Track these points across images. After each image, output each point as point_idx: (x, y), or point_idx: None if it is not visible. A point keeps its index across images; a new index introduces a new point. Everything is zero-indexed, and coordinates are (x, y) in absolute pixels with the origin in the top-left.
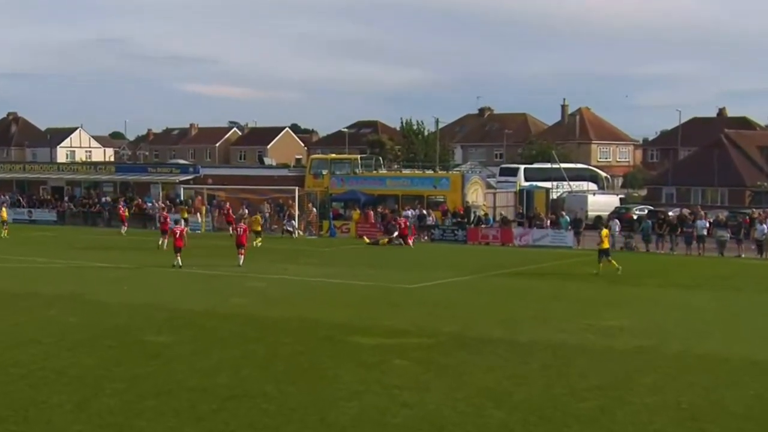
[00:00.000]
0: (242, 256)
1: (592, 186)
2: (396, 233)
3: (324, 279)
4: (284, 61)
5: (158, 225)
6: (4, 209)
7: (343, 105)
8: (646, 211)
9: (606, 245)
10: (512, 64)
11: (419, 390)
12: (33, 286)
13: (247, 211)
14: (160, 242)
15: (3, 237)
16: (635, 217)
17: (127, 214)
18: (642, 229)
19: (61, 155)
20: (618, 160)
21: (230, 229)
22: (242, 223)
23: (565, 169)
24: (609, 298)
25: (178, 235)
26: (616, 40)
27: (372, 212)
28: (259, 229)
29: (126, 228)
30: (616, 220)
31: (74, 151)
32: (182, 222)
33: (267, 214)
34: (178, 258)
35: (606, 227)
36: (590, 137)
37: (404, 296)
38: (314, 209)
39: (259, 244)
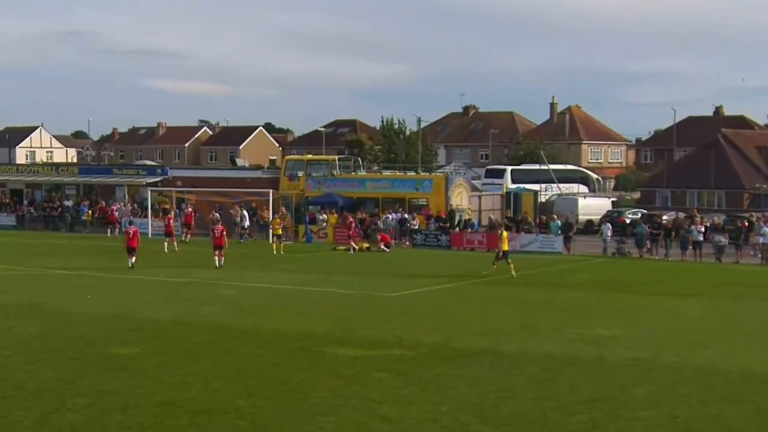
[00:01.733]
0: (222, 258)
1: (583, 188)
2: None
3: (300, 287)
4: (257, 57)
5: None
6: None
7: (320, 103)
8: (640, 215)
9: (506, 247)
10: (498, 59)
11: (400, 404)
12: None
13: (218, 215)
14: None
15: None
16: (628, 221)
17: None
18: (635, 233)
19: (21, 156)
20: (610, 161)
21: (183, 234)
22: (219, 225)
23: (554, 170)
24: (601, 306)
25: (131, 236)
26: (608, 34)
27: (350, 216)
28: (281, 232)
29: (173, 240)
30: (608, 225)
31: (34, 152)
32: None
33: (238, 218)
34: (132, 259)
35: (506, 229)
36: (581, 137)
37: (384, 305)
38: (289, 213)
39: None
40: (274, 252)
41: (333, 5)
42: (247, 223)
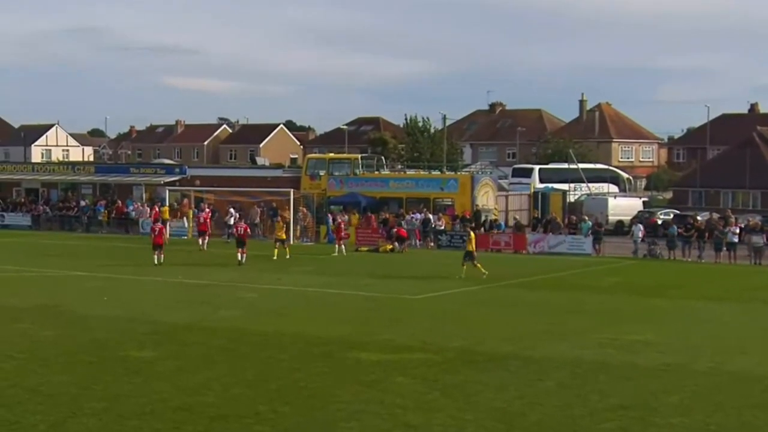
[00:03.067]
0: (245, 255)
1: (613, 188)
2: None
3: (321, 289)
4: (277, 53)
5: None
6: None
7: (342, 100)
8: (672, 216)
9: (471, 248)
10: (526, 56)
11: (424, 410)
12: (3, 297)
13: (238, 215)
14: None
15: None
16: (660, 221)
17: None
18: (667, 234)
19: (36, 154)
20: (641, 159)
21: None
22: (242, 223)
23: (583, 169)
24: (631, 310)
25: (158, 233)
26: (639, 29)
27: (373, 217)
28: (284, 237)
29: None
30: (640, 225)
31: (50, 150)
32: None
33: (258, 219)
34: (156, 256)
35: (472, 229)
36: (611, 135)
37: (408, 308)
38: (310, 213)
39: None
40: (275, 257)
41: (354, 2)
42: (232, 221)
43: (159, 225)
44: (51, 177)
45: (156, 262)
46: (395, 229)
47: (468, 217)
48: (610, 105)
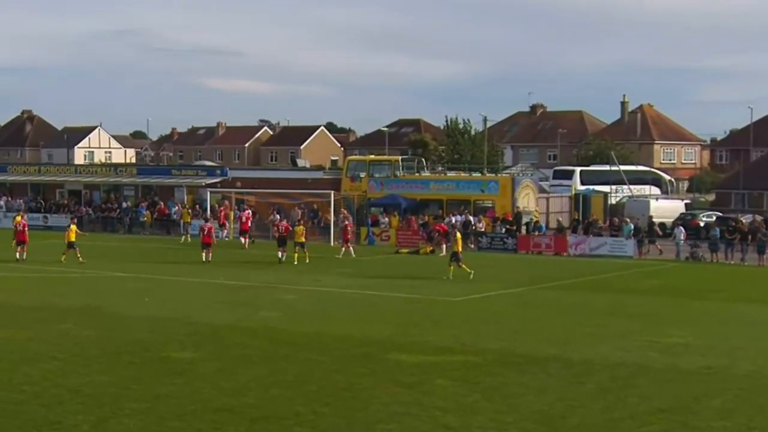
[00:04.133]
0: (285, 254)
1: (655, 190)
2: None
3: (361, 291)
4: (319, 54)
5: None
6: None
7: (383, 102)
8: (715, 218)
9: (458, 248)
10: (567, 57)
11: (463, 412)
12: (47, 297)
13: (278, 216)
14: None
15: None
16: (702, 224)
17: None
18: (710, 237)
19: (79, 156)
20: (683, 161)
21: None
22: (284, 222)
23: (624, 171)
24: (673, 313)
25: (206, 232)
26: (682, 29)
27: (414, 218)
28: (304, 240)
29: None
30: (681, 228)
31: (93, 152)
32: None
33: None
34: (204, 254)
35: (459, 231)
36: (653, 137)
37: (448, 310)
38: (351, 215)
39: (307, 260)
40: (295, 262)
41: (396, 3)
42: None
43: (208, 225)
44: (93, 179)
45: (204, 259)
46: (434, 226)
47: (509, 219)
48: (652, 106)
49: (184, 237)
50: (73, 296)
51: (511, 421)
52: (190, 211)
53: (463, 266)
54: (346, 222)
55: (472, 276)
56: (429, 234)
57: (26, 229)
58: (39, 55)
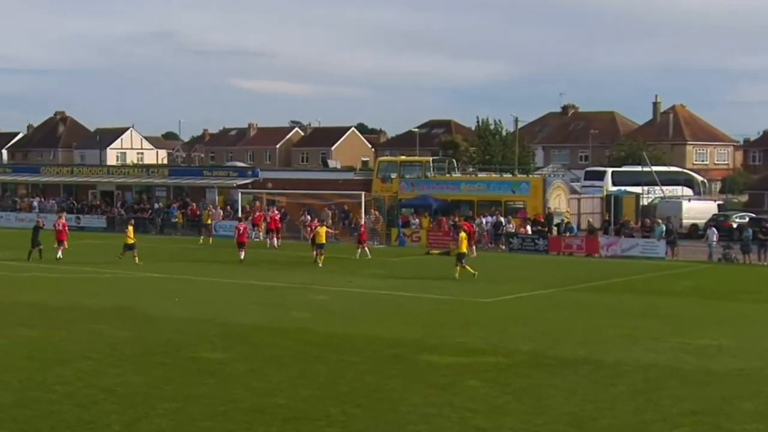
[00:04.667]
0: (364, 249)
1: (687, 191)
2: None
3: (392, 292)
4: (348, 56)
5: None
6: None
7: (414, 103)
8: (747, 219)
9: (463, 249)
10: (599, 57)
11: (494, 414)
12: (79, 298)
13: (309, 217)
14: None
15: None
16: (735, 225)
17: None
18: (742, 238)
19: (111, 157)
20: (716, 162)
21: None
22: (315, 221)
23: (657, 172)
24: (706, 315)
25: (241, 231)
26: (715, 29)
27: (444, 219)
28: (324, 241)
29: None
30: (714, 229)
31: (125, 153)
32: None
33: (329, 221)
34: (240, 253)
35: (464, 231)
36: (685, 137)
37: (479, 311)
38: (381, 216)
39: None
40: (320, 264)
41: (428, 3)
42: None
43: (243, 224)
44: (126, 179)
45: (240, 258)
46: (460, 224)
47: (540, 220)
48: (685, 107)
49: (203, 238)
50: (105, 297)
51: (542, 423)
52: (211, 212)
53: (468, 267)
54: (362, 223)
55: (476, 276)
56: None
57: (66, 229)
58: (72, 57)
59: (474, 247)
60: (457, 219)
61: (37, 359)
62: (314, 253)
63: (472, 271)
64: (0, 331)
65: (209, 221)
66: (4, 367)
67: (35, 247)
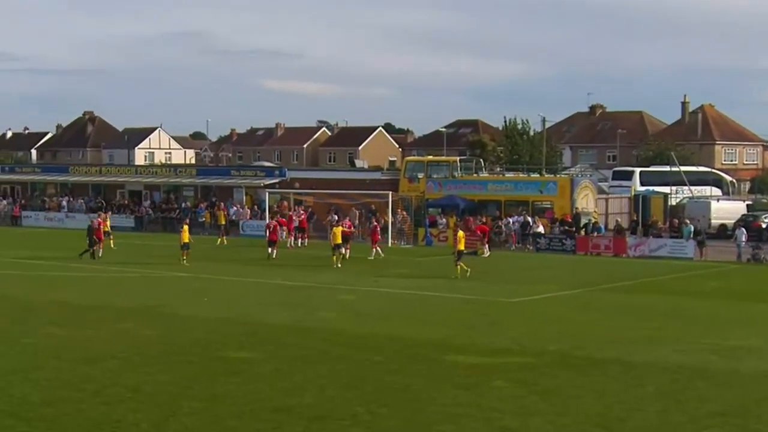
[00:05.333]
0: (348, 251)
1: (716, 191)
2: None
3: (418, 292)
4: (375, 56)
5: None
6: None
7: (441, 103)
8: None
9: (461, 247)
10: (627, 57)
11: (521, 414)
12: (106, 297)
13: (336, 217)
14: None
15: (112, 248)
16: (764, 225)
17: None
18: None
19: (140, 157)
20: (745, 162)
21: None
22: (346, 220)
23: (685, 172)
24: (734, 316)
25: (272, 230)
26: (743, 28)
27: (472, 219)
28: (341, 241)
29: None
30: (743, 229)
31: (153, 153)
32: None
33: (356, 221)
34: (270, 251)
35: (462, 229)
36: (714, 137)
37: (505, 311)
38: (409, 216)
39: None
40: (339, 264)
41: (454, 3)
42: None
43: (274, 222)
44: (153, 179)
45: (273, 256)
46: (475, 226)
47: (568, 220)
48: (714, 106)
49: (219, 239)
50: (133, 296)
51: (569, 423)
52: (225, 213)
53: (461, 264)
54: (375, 224)
55: (468, 274)
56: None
57: (102, 227)
58: (101, 57)
59: (487, 246)
60: (485, 219)
61: (65, 358)
62: (343, 249)
63: (465, 267)
64: (30, 330)
65: (223, 221)
66: (33, 365)
67: (92, 247)
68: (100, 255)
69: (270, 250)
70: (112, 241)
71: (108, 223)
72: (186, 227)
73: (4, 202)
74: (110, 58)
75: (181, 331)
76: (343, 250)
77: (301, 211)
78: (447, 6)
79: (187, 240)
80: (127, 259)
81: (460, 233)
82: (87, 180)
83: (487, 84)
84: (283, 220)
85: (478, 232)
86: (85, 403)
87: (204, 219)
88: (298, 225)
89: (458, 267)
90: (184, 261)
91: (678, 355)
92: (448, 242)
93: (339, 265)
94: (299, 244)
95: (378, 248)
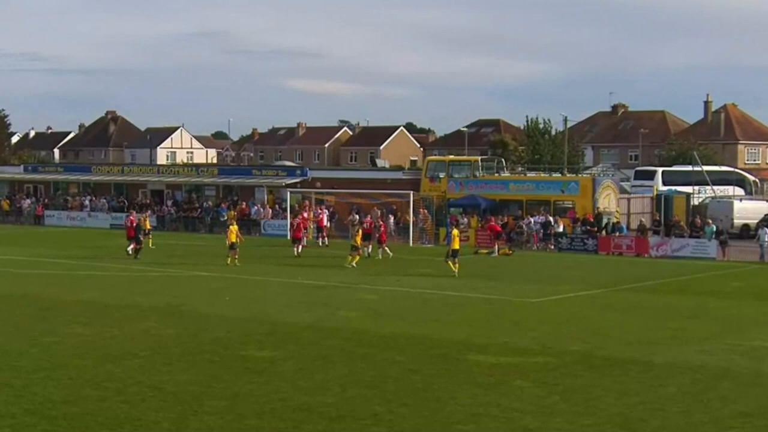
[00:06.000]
0: (370, 247)
1: (739, 191)
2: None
3: (439, 291)
4: (399, 55)
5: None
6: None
7: (462, 102)
8: None
9: (456, 246)
10: (649, 56)
11: (542, 414)
12: (130, 296)
13: (357, 217)
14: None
15: (150, 247)
16: None
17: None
18: None
19: (162, 157)
20: None
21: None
22: (368, 218)
23: (708, 172)
24: (757, 316)
25: (296, 227)
26: (766, 26)
27: (493, 219)
28: (360, 242)
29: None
30: (766, 229)
31: (175, 152)
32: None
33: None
34: (295, 248)
35: (457, 227)
36: (737, 137)
37: (527, 311)
38: (430, 215)
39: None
40: (354, 264)
41: (475, 2)
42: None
43: (298, 220)
44: (175, 179)
45: (295, 254)
46: (488, 226)
47: (590, 219)
48: (736, 106)
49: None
50: (155, 295)
51: (590, 424)
52: (234, 213)
53: (449, 263)
54: (381, 223)
55: (456, 275)
56: (508, 235)
57: (134, 225)
58: (123, 57)
59: (497, 246)
60: (507, 219)
61: (87, 356)
62: (364, 247)
63: (453, 268)
64: (54, 328)
65: (234, 239)
66: (56, 364)
67: (139, 245)
68: (130, 252)
69: (295, 247)
70: (150, 241)
71: (147, 222)
72: (233, 227)
73: (28, 201)
74: (133, 57)
75: (202, 330)
76: (361, 251)
77: (319, 210)
78: (468, 5)
79: (234, 240)
80: (149, 259)
81: (455, 231)
82: (109, 179)
83: (508, 83)
84: (305, 218)
85: (489, 231)
86: (107, 401)
87: (226, 218)
88: (317, 225)
89: (453, 264)
90: (236, 262)
91: (700, 355)
92: (470, 242)
93: (354, 265)
94: (320, 244)
95: (386, 248)
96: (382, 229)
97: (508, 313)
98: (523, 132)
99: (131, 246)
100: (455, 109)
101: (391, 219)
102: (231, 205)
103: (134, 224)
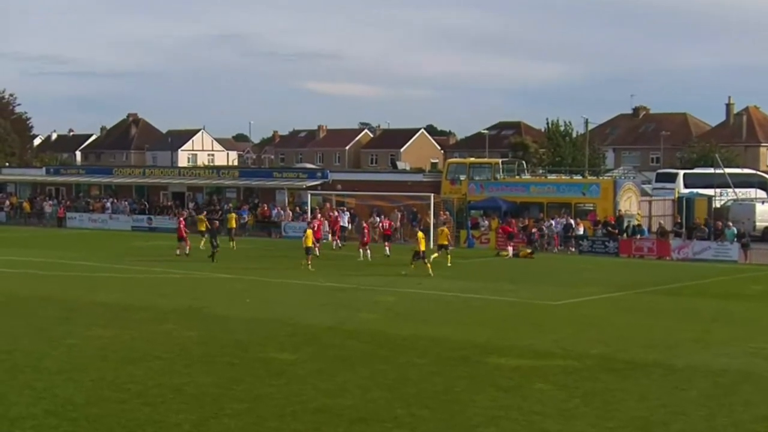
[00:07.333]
0: (390, 247)
1: (761, 193)
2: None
3: (460, 294)
4: (417, 57)
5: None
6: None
7: (483, 104)
8: None
9: (423, 247)
10: (670, 58)
11: (563, 418)
12: (149, 298)
13: (378, 219)
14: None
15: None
16: None
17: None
18: None
19: (183, 159)
20: None
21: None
22: (385, 220)
23: (729, 174)
24: None
25: (316, 229)
26: None
27: (514, 221)
28: (446, 242)
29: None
30: None
31: (196, 155)
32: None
33: (398, 223)
34: (316, 250)
35: (444, 225)
36: (759, 139)
37: (548, 314)
38: (451, 218)
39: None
40: (366, 258)
41: (497, 4)
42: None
43: (317, 221)
44: (196, 181)
45: (315, 254)
46: (500, 227)
47: (611, 222)
48: (759, 108)
49: (232, 243)
50: (176, 297)
51: (612, 427)
52: (236, 216)
53: (428, 264)
54: (364, 224)
55: (431, 274)
56: (529, 237)
57: (183, 226)
58: (145, 60)
59: (510, 248)
60: (528, 221)
61: (109, 359)
62: (387, 248)
63: (430, 270)
64: (75, 331)
65: (233, 224)
66: (77, 366)
67: (215, 249)
68: (184, 252)
69: (315, 248)
70: (233, 243)
71: (233, 221)
72: (310, 231)
73: (50, 203)
74: (154, 60)
75: (223, 332)
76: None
77: (335, 213)
78: (489, 6)
79: (310, 244)
80: (170, 260)
81: (420, 234)
82: (130, 182)
83: (529, 86)
84: (322, 220)
85: (501, 232)
86: (128, 403)
87: (246, 221)
88: (331, 227)
89: (413, 265)
90: (309, 266)
91: (722, 358)
92: (490, 244)
93: (361, 259)
94: (334, 246)
95: (368, 251)
96: (366, 230)
97: (529, 315)
98: (543, 134)
99: (186, 246)
100: (476, 112)
101: (427, 220)
102: (252, 207)
103: (184, 225)
